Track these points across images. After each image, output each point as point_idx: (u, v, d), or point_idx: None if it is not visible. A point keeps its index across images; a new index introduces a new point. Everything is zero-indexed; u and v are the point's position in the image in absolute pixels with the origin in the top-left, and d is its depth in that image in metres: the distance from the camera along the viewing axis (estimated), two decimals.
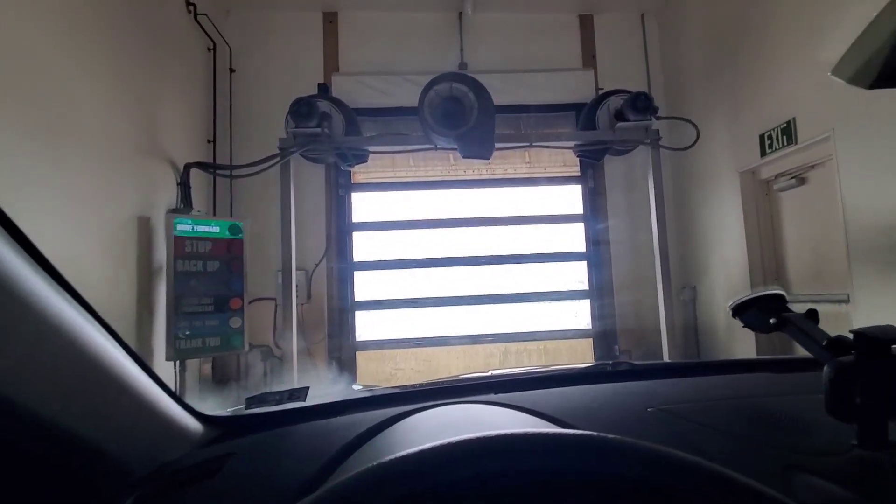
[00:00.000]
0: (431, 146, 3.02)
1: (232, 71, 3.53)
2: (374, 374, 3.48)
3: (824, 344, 0.59)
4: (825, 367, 0.53)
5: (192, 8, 3.07)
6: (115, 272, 2.28)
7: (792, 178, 2.69)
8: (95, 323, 0.49)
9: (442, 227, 3.64)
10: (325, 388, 3.47)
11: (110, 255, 2.26)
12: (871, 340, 0.52)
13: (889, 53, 0.59)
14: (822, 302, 2.48)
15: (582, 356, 3.57)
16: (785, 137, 2.58)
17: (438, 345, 3.53)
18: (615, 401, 0.74)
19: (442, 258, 3.59)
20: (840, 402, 0.52)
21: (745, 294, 0.76)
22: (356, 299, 3.56)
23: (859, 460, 0.52)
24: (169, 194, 2.77)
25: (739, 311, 0.76)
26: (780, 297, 0.74)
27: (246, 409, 0.78)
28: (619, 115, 3.02)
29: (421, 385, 0.91)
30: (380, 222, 3.65)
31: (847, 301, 2.30)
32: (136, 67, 2.50)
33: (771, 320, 0.70)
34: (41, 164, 1.84)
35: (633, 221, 3.57)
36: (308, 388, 0.86)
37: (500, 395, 0.77)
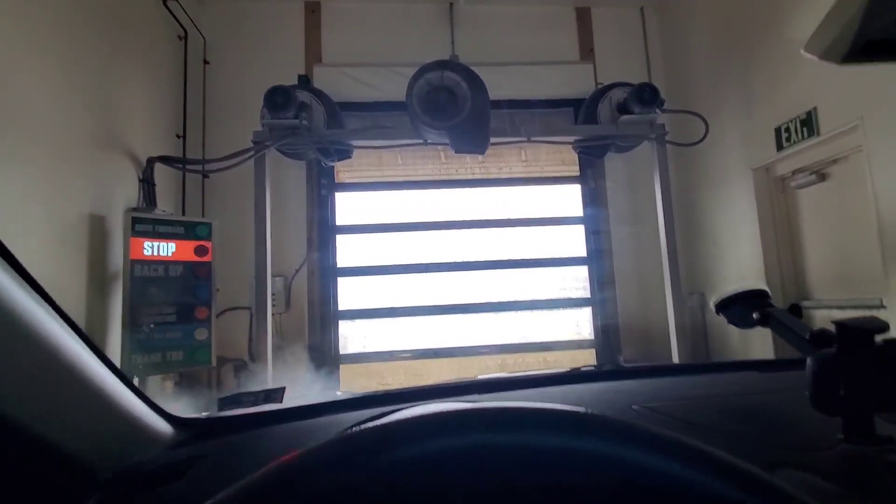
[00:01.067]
0: (421, 141, 2.78)
1: (206, 63, 3.28)
2: (359, 390, 3.20)
3: (807, 337, 0.59)
4: (808, 360, 0.52)
5: None
6: (62, 277, 2.00)
7: (811, 173, 2.48)
8: (59, 319, 0.48)
9: (433, 229, 3.39)
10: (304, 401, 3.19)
11: (57, 257, 1.98)
12: (853, 332, 0.51)
13: (860, 25, 0.57)
14: (851, 308, 2.27)
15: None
16: (805, 129, 2.37)
17: (429, 357, 3.27)
18: (600, 399, 0.73)
19: (433, 263, 3.33)
20: (824, 396, 0.51)
21: (728, 290, 0.77)
22: (340, 308, 3.29)
23: (845, 454, 0.51)
24: (130, 192, 2.50)
25: (723, 307, 0.77)
26: (764, 292, 0.75)
27: (219, 410, 0.76)
28: (622, 109, 2.82)
29: (404, 389, 0.89)
30: (366, 225, 3.39)
31: (882, 307, 2.09)
32: (94, 53, 2.25)
33: (754, 315, 0.70)
34: None
35: (636, 223, 3.35)
36: (284, 388, 0.84)
37: (483, 395, 0.75)
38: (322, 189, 3.32)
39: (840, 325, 0.52)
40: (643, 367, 1.03)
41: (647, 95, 2.68)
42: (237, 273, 2.97)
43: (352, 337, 3.31)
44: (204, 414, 0.74)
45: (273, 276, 2.73)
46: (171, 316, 2.28)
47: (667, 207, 2.80)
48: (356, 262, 3.34)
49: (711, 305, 0.77)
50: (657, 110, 2.73)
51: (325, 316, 3.22)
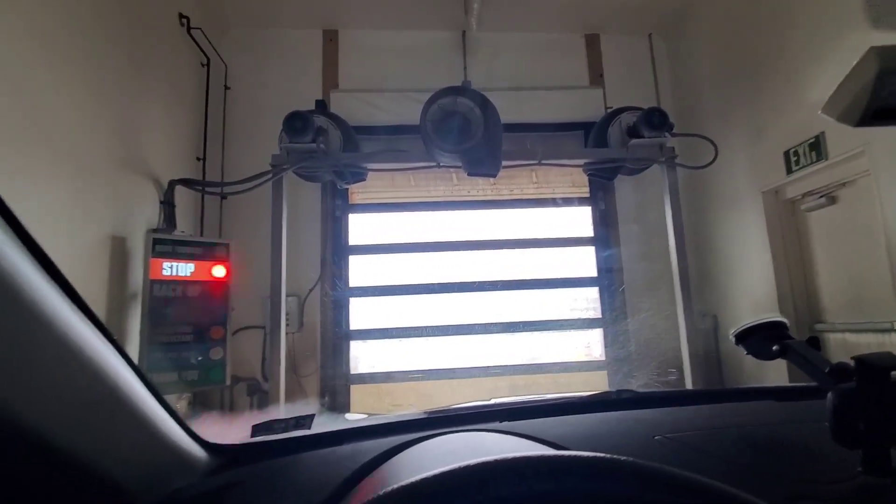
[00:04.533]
0: (434, 164, 2.84)
1: (227, 88, 3.39)
2: (369, 411, 3.20)
3: (827, 371, 0.60)
4: (829, 395, 0.53)
5: (185, 21, 2.94)
6: (83, 297, 2.05)
7: (821, 196, 2.50)
8: (105, 340, 0.48)
9: (444, 250, 3.43)
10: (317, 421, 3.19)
11: (79, 277, 2.03)
12: (872, 367, 0.52)
13: (871, 95, 0.64)
14: (862, 331, 2.26)
15: (596, 390, 3.31)
16: (813, 153, 2.40)
17: (440, 378, 3.26)
18: (621, 428, 0.74)
19: (444, 284, 3.36)
20: (844, 429, 0.52)
21: (747, 322, 0.77)
22: (352, 328, 3.31)
23: (865, 487, 0.52)
24: (151, 213, 2.57)
25: (741, 338, 0.77)
26: (782, 324, 0.75)
27: (252, 437, 0.78)
28: (632, 132, 2.86)
29: (423, 413, 0.89)
30: (379, 245, 3.43)
31: (893, 330, 2.08)
32: (120, 78, 2.34)
33: (773, 347, 0.71)
34: (1, 174, 1.65)
35: (647, 244, 3.37)
36: (314, 415, 0.85)
37: (504, 423, 0.77)
38: (336, 210, 3.38)
39: (859, 360, 0.53)
40: (661, 394, 1.03)
41: (656, 119, 2.73)
42: (252, 292, 3.02)
43: (363, 357, 3.32)
44: (235, 439, 0.75)
45: (287, 295, 2.77)
46: (188, 336, 2.32)
47: (677, 229, 2.81)
48: (369, 283, 3.37)
49: (730, 336, 0.78)
50: (666, 134, 2.77)
51: (337, 336, 3.24)
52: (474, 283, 3.38)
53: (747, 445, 0.66)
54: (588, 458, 0.34)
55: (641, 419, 0.76)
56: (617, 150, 2.92)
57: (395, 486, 0.32)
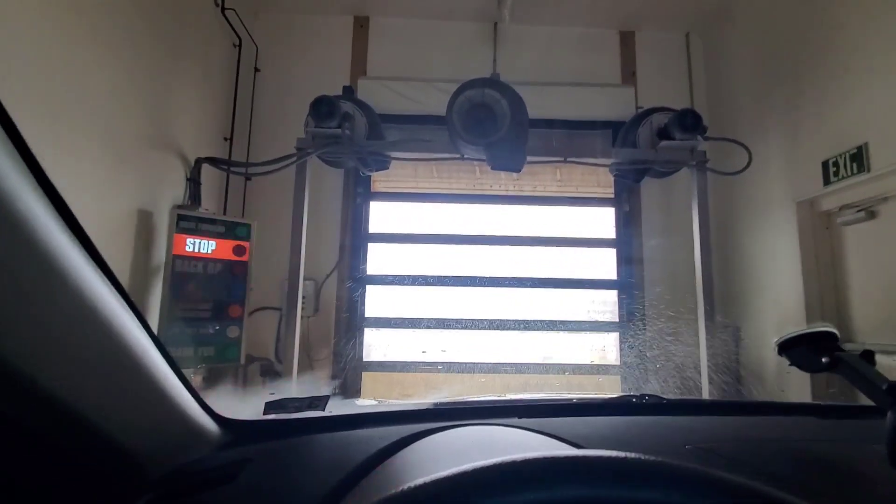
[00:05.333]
0: (458, 156, 2.81)
1: (257, 70, 3.42)
2: (380, 398, 3.21)
3: (885, 388, 0.55)
4: (889, 414, 0.49)
5: (219, 1, 2.96)
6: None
7: (859, 210, 2.40)
8: (126, 306, 0.47)
9: (464, 243, 3.41)
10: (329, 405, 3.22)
11: (105, 248, 2.06)
12: None
13: None
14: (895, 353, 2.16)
15: (610, 394, 3.26)
16: (854, 165, 2.30)
17: (453, 371, 3.26)
18: (650, 433, 0.70)
19: (461, 277, 3.34)
20: None
21: (794, 330, 0.72)
22: (367, 315, 3.33)
23: None
24: (177, 190, 2.61)
25: (786, 347, 0.72)
26: (832, 334, 0.70)
27: (264, 413, 0.77)
28: (663, 134, 2.79)
29: (441, 403, 0.86)
30: (398, 234, 3.43)
31: None
32: (154, 56, 2.37)
33: (823, 359, 0.66)
34: (38, 143, 1.68)
35: (671, 251, 3.29)
36: (329, 397, 0.84)
37: (523, 419, 0.73)
38: (358, 197, 3.39)
39: None
40: (690, 401, 0.97)
41: (689, 121, 2.65)
42: (270, 274, 3.05)
43: (376, 345, 3.34)
44: (248, 415, 0.74)
45: (304, 279, 2.79)
46: (207, 312, 2.36)
47: (704, 236, 2.73)
48: (386, 271, 3.38)
49: (773, 345, 0.73)
50: (699, 137, 2.69)
51: (351, 322, 3.26)
52: (491, 278, 3.36)
53: (789, 460, 0.61)
54: (670, 465, 0.32)
55: (671, 426, 0.72)
56: (646, 152, 2.85)
57: (461, 469, 0.29)
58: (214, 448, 0.61)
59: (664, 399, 0.91)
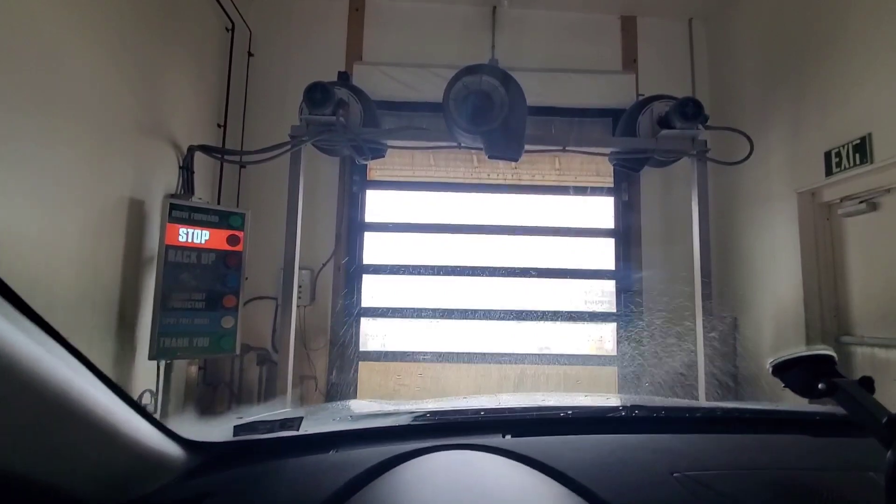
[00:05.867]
0: (455, 144, 2.77)
1: (250, 55, 3.34)
2: (376, 389, 3.22)
3: (885, 422, 0.53)
4: (888, 453, 0.48)
5: None
6: (98, 257, 2.06)
7: (861, 202, 2.37)
8: (54, 343, 0.44)
9: (460, 232, 3.38)
10: (321, 400, 3.23)
11: (95, 238, 2.04)
12: None
13: None
14: (894, 347, 2.15)
15: (605, 387, 3.26)
16: (857, 155, 2.26)
17: (449, 361, 3.25)
18: (635, 458, 0.68)
19: (458, 266, 3.32)
20: None
21: (790, 352, 0.70)
22: (363, 305, 3.31)
23: None
24: (169, 178, 2.57)
25: (781, 370, 0.70)
26: (829, 358, 0.68)
27: (234, 436, 0.73)
28: (663, 123, 2.74)
29: (422, 415, 0.82)
30: (394, 223, 3.40)
31: None
32: (143, 39, 2.31)
33: (819, 385, 0.64)
34: (21, 132, 1.64)
35: (669, 240, 3.27)
36: (302, 418, 0.80)
37: (509, 439, 0.70)
38: (353, 185, 3.35)
39: None
40: (678, 415, 0.93)
41: (690, 110, 2.60)
42: (265, 263, 3.02)
43: (372, 334, 3.33)
44: (216, 435, 0.72)
45: (300, 268, 2.76)
46: (200, 302, 2.33)
47: (703, 226, 2.70)
48: (382, 260, 3.35)
49: (768, 367, 0.70)
50: (700, 126, 2.64)
51: (347, 311, 3.24)
52: (488, 268, 3.34)
53: (781, 492, 0.59)
54: None
55: (658, 449, 0.70)
56: (646, 140, 2.81)
57: None
58: (180, 475, 0.59)
59: (654, 411, 0.88)
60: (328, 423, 0.80)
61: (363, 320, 3.31)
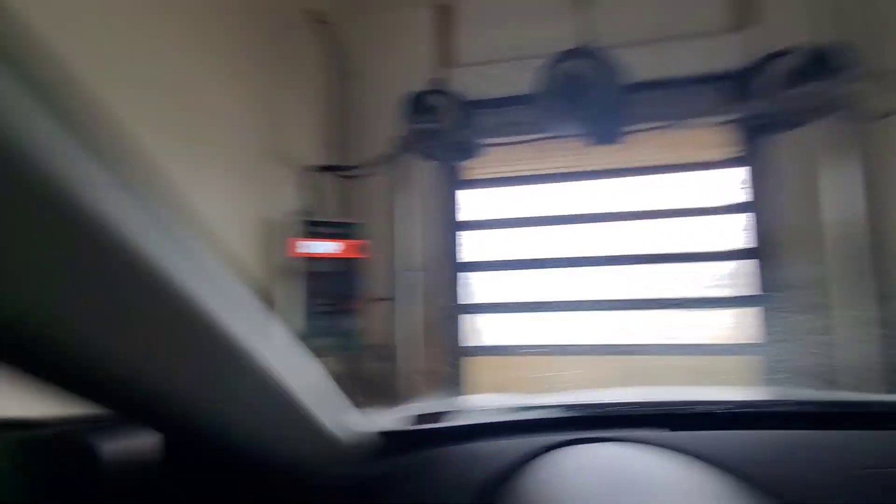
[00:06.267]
0: (554, 134, 2.71)
1: (351, 75, 3.60)
2: (492, 384, 3.27)
3: None
4: None
5: (313, 15, 3.17)
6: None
7: None
8: (256, 315, 0.42)
9: (566, 223, 3.29)
10: (438, 397, 3.36)
11: (242, 255, 2.38)
12: None
13: None
14: None
15: (745, 378, 2.95)
16: None
17: (562, 354, 3.19)
18: (815, 456, 0.61)
19: (565, 258, 3.24)
20: None
21: None
22: (471, 301, 3.38)
23: None
24: (293, 196, 2.88)
25: None
26: None
27: (410, 425, 0.76)
28: (796, 78, 2.40)
29: (576, 406, 0.81)
30: (496, 220, 3.42)
31: None
32: (261, 74, 2.64)
33: None
34: (177, 167, 1.98)
35: (810, 214, 2.84)
36: (451, 411, 0.85)
37: (667, 433, 0.66)
38: (454, 186, 3.44)
39: None
40: (856, 412, 0.79)
41: (832, 59, 2.25)
42: (378, 266, 3.23)
43: (485, 330, 3.39)
44: (389, 422, 0.75)
45: (410, 270, 2.92)
46: (334, 306, 2.66)
47: (852, 197, 2.32)
48: (486, 257, 3.40)
49: None
50: (845, 78, 2.27)
51: (455, 308, 3.34)
52: (600, 257, 3.21)
53: None
54: None
55: (836, 446, 0.64)
56: (775, 101, 2.49)
57: None
58: (360, 458, 0.59)
59: (831, 406, 0.79)
60: (476, 415, 0.81)
61: (471, 316, 3.38)
